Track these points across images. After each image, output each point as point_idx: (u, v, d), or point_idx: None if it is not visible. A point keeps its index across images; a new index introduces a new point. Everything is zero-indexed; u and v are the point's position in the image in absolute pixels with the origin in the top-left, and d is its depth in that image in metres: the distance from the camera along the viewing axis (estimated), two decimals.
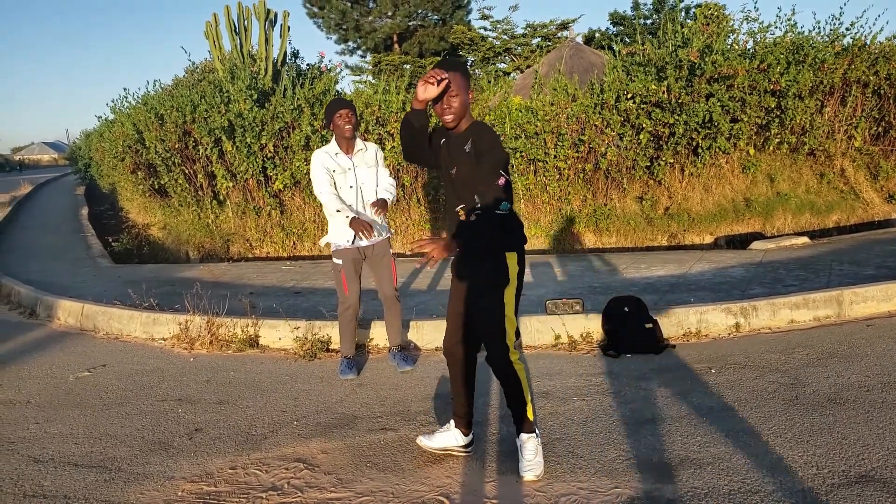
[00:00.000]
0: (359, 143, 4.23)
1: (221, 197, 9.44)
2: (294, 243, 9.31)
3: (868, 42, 9.10)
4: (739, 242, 8.48)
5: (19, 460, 3.30)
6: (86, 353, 5.17)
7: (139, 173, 10.13)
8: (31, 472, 3.17)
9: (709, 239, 8.67)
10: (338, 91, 9.89)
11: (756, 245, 7.53)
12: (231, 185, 9.14)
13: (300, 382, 4.25)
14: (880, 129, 9.46)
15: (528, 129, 8.47)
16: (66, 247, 10.44)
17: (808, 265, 6.16)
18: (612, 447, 3.05)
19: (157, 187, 10.08)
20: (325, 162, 4.13)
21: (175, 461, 3.23)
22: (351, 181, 4.16)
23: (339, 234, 4.16)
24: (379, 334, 4.85)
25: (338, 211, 4.05)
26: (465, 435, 3.07)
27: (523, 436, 2.90)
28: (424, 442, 3.09)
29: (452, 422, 3.10)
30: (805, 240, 7.51)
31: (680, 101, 8.18)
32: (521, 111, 8.62)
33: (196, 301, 5.38)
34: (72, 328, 5.96)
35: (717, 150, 8.48)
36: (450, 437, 3.07)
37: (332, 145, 4.21)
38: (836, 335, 4.34)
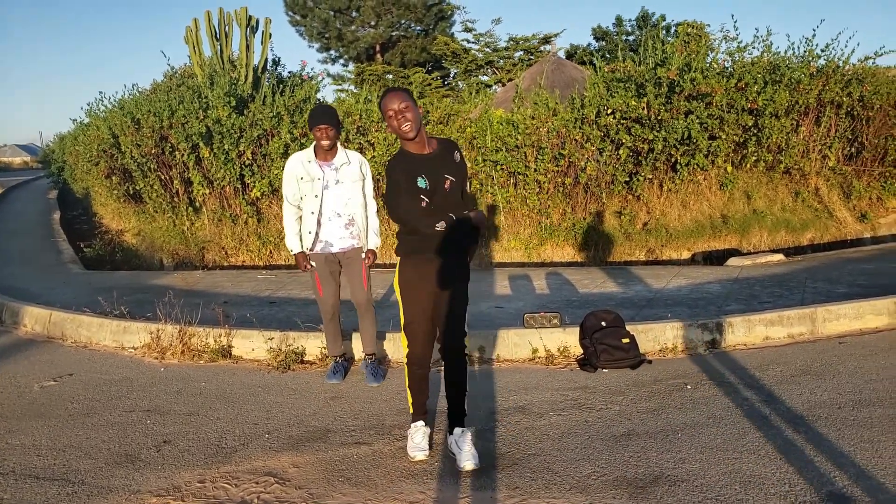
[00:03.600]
0: (341, 154, 4.21)
1: (197, 204, 9.32)
2: (271, 252, 9.20)
3: (841, 64, 9.30)
4: (716, 258, 8.56)
5: None
6: (52, 362, 5.04)
7: (114, 178, 9.97)
8: None
9: (686, 254, 8.75)
10: (318, 99, 9.84)
11: (732, 261, 7.61)
12: (208, 191, 9.03)
13: (273, 394, 4.17)
14: (853, 149, 9.65)
15: (509, 142, 8.50)
16: (37, 252, 10.21)
17: (783, 282, 6.23)
18: (587, 463, 3.03)
19: (131, 193, 9.92)
20: (295, 169, 4.18)
21: (142, 474, 3.14)
22: (317, 191, 4.16)
23: (307, 242, 4.26)
24: (357, 346, 4.79)
25: (289, 241, 4.32)
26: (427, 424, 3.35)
27: (459, 428, 3.19)
28: (421, 456, 3.19)
29: (420, 422, 3.29)
30: (780, 257, 7.61)
31: (659, 117, 8.26)
32: (502, 124, 8.65)
33: (168, 309, 5.28)
34: (38, 336, 5.81)
35: (696, 166, 8.58)
36: (425, 435, 3.27)
37: (309, 151, 4.22)
38: (809, 352, 4.38)
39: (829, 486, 2.68)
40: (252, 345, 4.91)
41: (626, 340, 4.29)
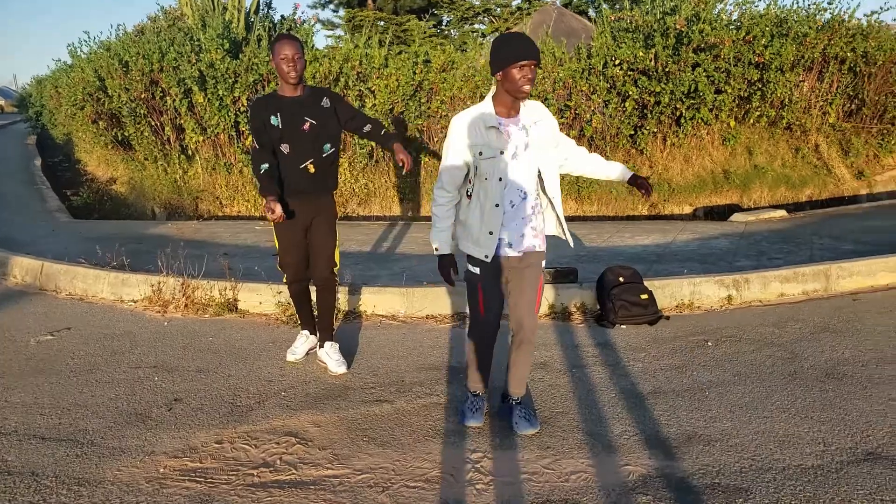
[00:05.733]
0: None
1: (190, 152, 9.02)
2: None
3: (846, 18, 9.10)
4: (717, 214, 8.52)
5: None
6: (47, 315, 4.87)
7: (101, 123, 9.59)
8: None
9: (688, 209, 8.68)
10: (314, 45, 9.47)
11: (737, 217, 7.56)
12: (201, 139, 8.72)
13: (285, 349, 4.06)
14: (853, 106, 9.54)
15: None
16: (20, 200, 9.89)
17: (790, 238, 6.19)
18: (617, 422, 2.98)
19: (120, 139, 9.57)
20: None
21: (154, 434, 3.03)
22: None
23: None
24: (369, 301, 4.69)
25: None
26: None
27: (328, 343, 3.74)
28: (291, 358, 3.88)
29: (306, 331, 3.89)
30: (783, 213, 7.57)
31: (667, 69, 8.06)
32: None
33: (169, 261, 5.12)
34: (30, 287, 5.63)
35: (700, 120, 8.43)
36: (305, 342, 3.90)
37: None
38: (824, 309, 4.35)
39: (865, 446, 2.66)
40: (259, 298, 4.79)
41: (644, 297, 4.23)
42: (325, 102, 3.47)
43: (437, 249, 2.85)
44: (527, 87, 2.57)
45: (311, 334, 3.94)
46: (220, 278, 4.96)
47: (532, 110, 2.76)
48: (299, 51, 3.33)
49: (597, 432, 2.90)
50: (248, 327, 4.53)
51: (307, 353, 3.94)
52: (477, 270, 2.78)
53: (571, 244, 2.98)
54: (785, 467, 2.54)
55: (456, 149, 2.72)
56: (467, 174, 2.76)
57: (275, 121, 3.39)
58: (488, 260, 2.74)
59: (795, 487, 2.40)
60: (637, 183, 2.85)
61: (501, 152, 2.67)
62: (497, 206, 2.69)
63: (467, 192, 2.77)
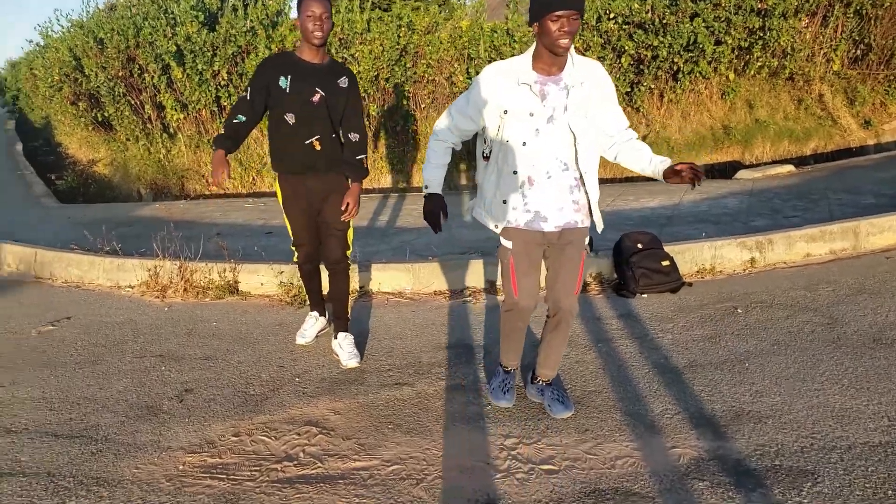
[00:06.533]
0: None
1: (172, 129, 8.68)
2: (253, 179, 8.69)
3: None
4: (719, 171, 8.31)
5: None
6: (45, 304, 4.65)
7: (80, 104, 9.20)
8: (3, 444, 2.76)
9: None
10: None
11: (742, 174, 7.37)
12: (182, 116, 8.38)
13: (292, 332, 3.88)
14: (859, 52, 9.27)
15: (505, 53, 7.96)
16: (6, 187, 9.55)
17: (803, 195, 6.02)
18: (656, 400, 2.83)
19: (100, 120, 9.20)
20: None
21: (168, 428, 2.86)
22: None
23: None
24: (374, 278, 4.50)
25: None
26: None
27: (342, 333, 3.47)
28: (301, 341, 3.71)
29: (315, 312, 3.69)
30: (790, 168, 7.39)
31: (664, 21, 7.76)
32: (496, 32, 8.07)
33: (163, 244, 4.89)
34: (25, 276, 5.39)
35: (698, 74, 8.16)
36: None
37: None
38: (856, 269, 4.19)
39: None
40: (260, 279, 4.58)
41: (665, 263, 4.05)
42: (343, 82, 3.13)
43: (425, 187, 2.60)
44: (564, 42, 2.23)
45: (320, 315, 3.75)
46: (218, 260, 4.74)
47: (583, 69, 2.42)
48: (328, 10, 2.99)
49: (636, 412, 2.74)
50: (251, 310, 4.33)
51: (317, 336, 3.76)
52: (509, 245, 2.57)
53: (599, 229, 2.69)
54: (850, 446, 2.38)
55: (476, 100, 2.44)
56: (484, 130, 2.52)
57: (283, 83, 3.06)
58: (498, 231, 2.55)
59: (867, 468, 2.25)
60: (678, 174, 2.29)
61: (531, 114, 2.38)
62: (515, 173, 2.45)
63: (484, 153, 2.54)
